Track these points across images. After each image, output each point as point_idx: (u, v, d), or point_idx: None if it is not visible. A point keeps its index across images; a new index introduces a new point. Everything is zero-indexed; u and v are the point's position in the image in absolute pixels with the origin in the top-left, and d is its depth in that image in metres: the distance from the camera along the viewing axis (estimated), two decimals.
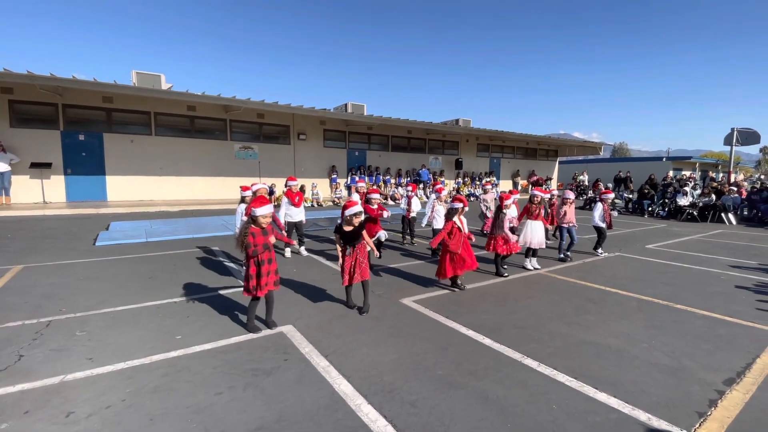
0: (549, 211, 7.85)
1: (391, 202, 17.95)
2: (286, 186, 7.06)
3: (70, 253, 6.80)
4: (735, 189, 14.52)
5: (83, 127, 13.66)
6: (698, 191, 15.30)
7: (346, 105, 19.20)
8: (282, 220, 6.74)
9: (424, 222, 7.21)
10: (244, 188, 6.14)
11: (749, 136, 17.95)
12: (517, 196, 6.59)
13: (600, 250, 7.52)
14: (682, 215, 13.85)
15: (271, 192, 14.72)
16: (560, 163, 30.94)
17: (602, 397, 2.75)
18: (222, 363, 3.12)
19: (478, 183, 22.85)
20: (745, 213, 14.25)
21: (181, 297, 4.66)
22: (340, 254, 4.25)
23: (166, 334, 3.63)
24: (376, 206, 6.21)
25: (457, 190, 21.24)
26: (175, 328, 3.78)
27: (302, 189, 6.90)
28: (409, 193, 8.36)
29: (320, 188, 17.13)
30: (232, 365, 3.09)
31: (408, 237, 8.30)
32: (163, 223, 10.05)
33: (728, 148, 18.69)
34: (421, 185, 19.73)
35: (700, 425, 2.47)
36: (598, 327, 4.01)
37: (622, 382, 2.95)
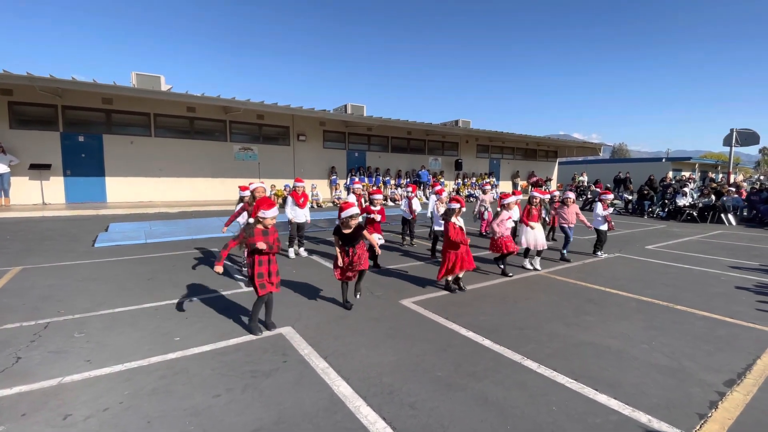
0: (549, 211, 7.85)
1: (390, 203, 17.95)
2: (292, 187, 7.08)
3: (68, 254, 6.79)
4: (735, 190, 14.52)
5: (83, 128, 13.66)
6: (692, 186, 15.30)
7: (345, 106, 19.21)
8: (290, 218, 6.80)
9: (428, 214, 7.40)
10: (242, 188, 6.13)
11: (748, 137, 17.97)
12: (520, 196, 6.59)
13: (600, 252, 7.51)
14: (681, 216, 13.84)
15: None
16: (560, 164, 30.96)
17: (602, 398, 2.74)
18: (220, 365, 3.11)
19: (476, 185, 22.86)
20: (745, 214, 14.26)
21: (180, 298, 4.65)
22: (339, 256, 4.23)
23: (165, 336, 3.62)
24: (379, 207, 6.22)
25: (457, 191, 21.25)
26: (173, 329, 3.77)
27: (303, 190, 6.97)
28: (410, 194, 8.35)
29: (320, 189, 17.13)
30: (231, 367, 3.08)
31: (407, 238, 8.30)
32: (163, 225, 10.04)
33: (728, 148, 18.72)
34: (421, 186, 19.74)
35: (700, 427, 2.46)
36: (597, 328, 4.00)
37: (621, 383, 2.94)
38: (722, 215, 13.29)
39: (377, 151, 20.63)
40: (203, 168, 15.69)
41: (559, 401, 2.69)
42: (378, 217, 6.14)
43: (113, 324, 3.88)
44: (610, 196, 7.75)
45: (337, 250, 4.25)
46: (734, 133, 17.90)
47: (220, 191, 15.89)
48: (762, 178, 36.76)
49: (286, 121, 17.42)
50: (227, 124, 16.19)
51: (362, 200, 7.48)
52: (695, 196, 14.86)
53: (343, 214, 4.15)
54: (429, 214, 7.45)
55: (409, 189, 8.65)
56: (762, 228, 12.30)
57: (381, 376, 2.98)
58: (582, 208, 16.87)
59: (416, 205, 8.12)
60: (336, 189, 17.93)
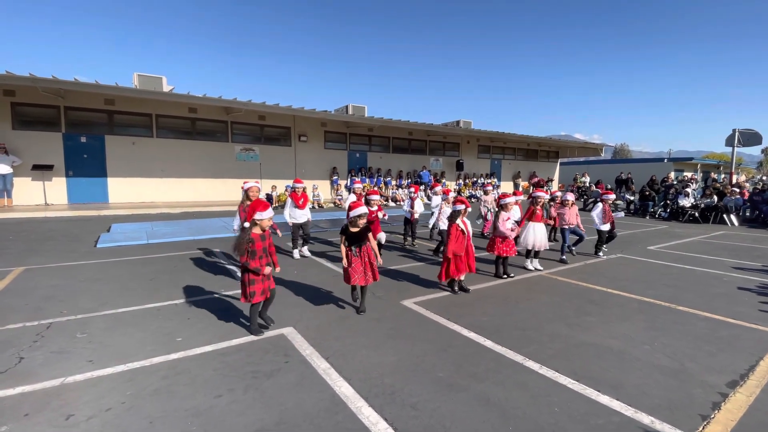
0: (549, 212, 7.83)
1: (392, 204, 17.94)
2: (292, 188, 7.07)
3: (71, 254, 6.81)
4: (737, 190, 14.48)
5: (85, 129, 13.70)
6: (694, 187, 15.27)
7: (346, 107, 19.22)
8: (288, 221, 6.78)
9: (431, 222, 7.25)
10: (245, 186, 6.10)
11: (751, 137, 17.92)
12: (520, 197, 6.58)
13: (601, 253, 7.49)
14: (683, 216, 13.81)
15: (269, 198, 14.71)
16: (561, 164, 30.90)
17: (604, 399, 2.73)
18: (222, 365, 3.11)
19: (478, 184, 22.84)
20: (748, 214, 14.21)
21: (182, 299, 4.66)
22: (344, 255, 4.24)
23: (167, 336, 3.62)
24: (375, 207, 6.21)
25: (458, 192, 21.23)
26: (175, 330, 3.77)
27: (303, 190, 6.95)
28: (412, 194, 8.35)
29: (321, 190, 17.15)
30: (233, 367, 3.08)
31: (409, 238, 8.29)
32: (164, 225, 10.06)
33: (730, 149, 18.66)
34: (423, 186, 19.74)
35: (703, 428, 2.45)
36: (599, 329, 3.99)
37: (623, 384, 2.93)
38: (724, 216, 13.26)
39: (378, 152, 20.64)
40: (205, 169, 15.72)
41: (561, 402, 2.69)
42: (380, 214, 6.14)
43: (115, 324, 3.89)
44: (612, 197, 7.73)
45: (343, 250, 4.25)
46: (737, 134, 17.85)
47: (222, 192, 15.92)
48: (765, 178, 36.63)
49: (287, 122, 17.45)
50: (229, 124, 16.22)
51: (362, 200, 7.49)
52: (697, 196, 14.82)
53: (352, 214, 4.18)
54: (433, 217, 7.31)
55: (412, 189, 8.65)
56: (765, 228, 12.26)
57: (382, 377, 2.98)
58: (583, 209, 16.84)
59: (419, 206, 8.12)
60: (337, 189, 17.95)
